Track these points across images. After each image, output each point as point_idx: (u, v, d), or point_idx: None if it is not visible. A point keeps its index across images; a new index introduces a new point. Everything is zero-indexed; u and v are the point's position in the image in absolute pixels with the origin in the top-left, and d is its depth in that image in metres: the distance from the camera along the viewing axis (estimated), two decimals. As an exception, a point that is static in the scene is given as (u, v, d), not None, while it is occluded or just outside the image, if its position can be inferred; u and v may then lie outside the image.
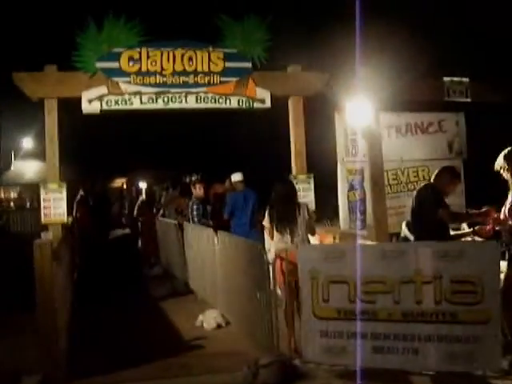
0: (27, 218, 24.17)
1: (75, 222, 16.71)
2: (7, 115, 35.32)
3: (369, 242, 9.11)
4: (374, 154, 9.39)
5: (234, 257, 9.29)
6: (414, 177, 11.17)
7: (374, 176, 9.36)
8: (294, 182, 10.17)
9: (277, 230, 8.38)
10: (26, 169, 41.99)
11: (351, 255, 6.81)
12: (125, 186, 33.62)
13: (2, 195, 41.36)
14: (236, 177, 12.40)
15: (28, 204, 30.83)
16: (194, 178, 16.08)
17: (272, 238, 8.51)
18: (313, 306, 6.97)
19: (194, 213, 12.43)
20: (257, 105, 10.48)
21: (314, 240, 10.08)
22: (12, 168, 44.45)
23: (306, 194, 10.60)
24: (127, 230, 24.67)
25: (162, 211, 16.43)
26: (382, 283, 6.73)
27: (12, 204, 33.01)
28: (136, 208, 18.16)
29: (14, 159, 45.24)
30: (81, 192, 17.91)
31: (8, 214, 26.00)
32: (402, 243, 8.76)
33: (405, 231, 9.04)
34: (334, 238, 10.64)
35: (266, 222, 8.67)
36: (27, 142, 44.05)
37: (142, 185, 32.69)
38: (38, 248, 7.14)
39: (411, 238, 8.65)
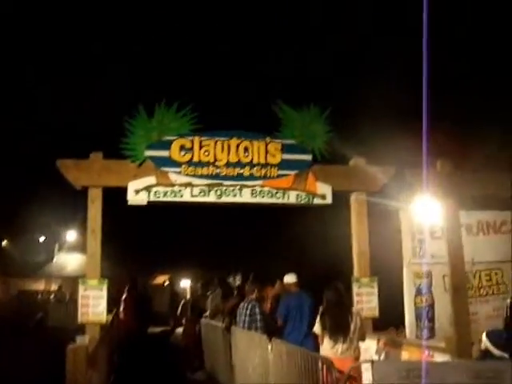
0: (66, 312, 23.43)
1: (117, 320, 15.93)
2: (53, 206, 35.14)
3: (447, 356, 8.01)
4: (454, 256, 8.40)
5: (288, 366, 8.27)
6: (487, 281, 10.16)
7: (454, 281, 8.33)
8: (357, 286, 9.48)
9: (329, 338, 8.12)
10: (69, 262, 41.72)
11: (438, 373, 5.76)
12: (166, 283, 32.83)
13: (43, 287, 41.01)
14: (289, 278, 11.38)
15: (68, 298, 30.17)
16: (237, 278, 15.22)
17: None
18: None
19: (258, 317, 11.32)
20: (317, 201, 9.69)
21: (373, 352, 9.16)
22: (55, 260, 44.28)
23: (370, 298, 9.72)
24: (166, 328, 23.87)
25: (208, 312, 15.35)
26: (476, 408, 5.66)
27: (52, 297, 32.31)
28: (180, 307, 17.23)
29: (58, 251, 45.12)
30: (126, 289, 17.16)
31: (47, 307, 25.34)
32: (499, 362, 7.59)
33: (486, 343, 7.88)
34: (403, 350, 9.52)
35: (317, 329, 8.45)
36: (70, 235, 43.97)
37: (185, 282, 31.95)
38: (71, 353, 6.27)
39: (496, 352, 7.49)
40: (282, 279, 11.92)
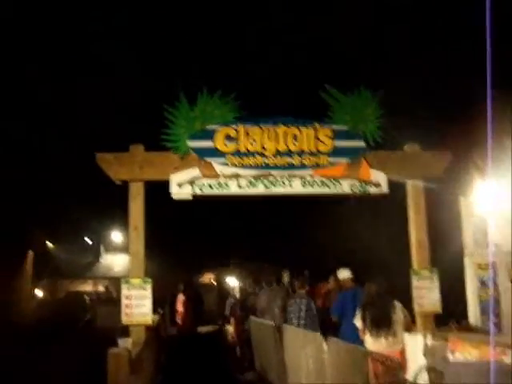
0: (114, 313, 23.23)
1: (168, 322, 15.67)
2: (98, 207, 34.97)
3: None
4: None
5: (346, 367, 7.79)
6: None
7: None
8: (416, 279, 8.96)
9: (371, 332, 8.05)
10: (115, 262, 41.73)
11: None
12: (214, 282, 32.33)
13: (91, 288, 41.04)
14: (344, 273, 10.83)
15: (115, 298, 30.02)
16: (285, 274, 14.61)
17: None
18: None
19: (315, 312, 10.78)
20: (372, 189, 9.08)
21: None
22: (101, 261, 44.33)
23: (430, 292, 9.11)
24: (215, 327, 23.49)
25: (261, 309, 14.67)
26: None
27: (99, 297, 32.22)
28: (228, 306, 16.70)
29: (104, 252, 45.16)
30: (182, 290, 16.78)
31: (95, 308, 25.27)
32: None
33: None
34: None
35: (357, 323, 8.33)
36: (116, 236, 43.98)
37: (232, 280, 31.43)
38: (112, 359, 5.76)
39: None
40: (335, 275, 11.41)
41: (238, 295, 17.15)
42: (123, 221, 8.89)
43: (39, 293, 37.68)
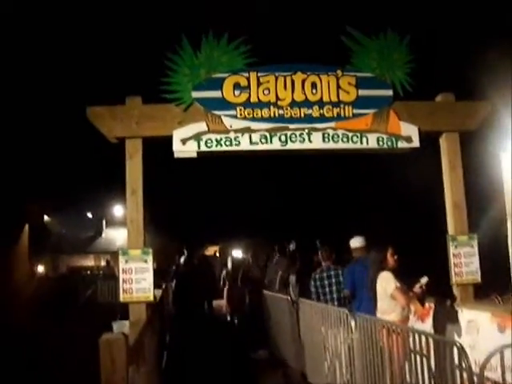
0: (115, 288, 22.60)
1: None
2: (98, 181, 33.98)
3: None
4: None
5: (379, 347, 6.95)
6: None
7: None
8: (453, 246, 8.21)
9: None
10: (117, 237, 41.09)
11: None
12: (217, 255, 31.48)
13: (93, 263, 40.47)
14: (356, 242, 9.73)
15: (116, 273, 29.24)
16: (291, 245, 13.68)
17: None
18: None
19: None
20: (401, 144, 8.02)
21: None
22: (103, 236, 43.79)
23: (469, 260, 8.17)
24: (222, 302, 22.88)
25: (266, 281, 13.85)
26: None
27: (101, 272, 31.48)
28: (222, 279, 15.94)
29: (106, 227, 44.63)
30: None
31: (96, 284, 24.59)
32: None
33: None
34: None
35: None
36: (118, 210, 43.36)
37: (236, 253, 30.67)
38: (106, 348, 4.56)
39: None
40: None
41: (229, 266, 16.38)
42: (124, 192, 7.73)
43: (40, 268, 37.02)
